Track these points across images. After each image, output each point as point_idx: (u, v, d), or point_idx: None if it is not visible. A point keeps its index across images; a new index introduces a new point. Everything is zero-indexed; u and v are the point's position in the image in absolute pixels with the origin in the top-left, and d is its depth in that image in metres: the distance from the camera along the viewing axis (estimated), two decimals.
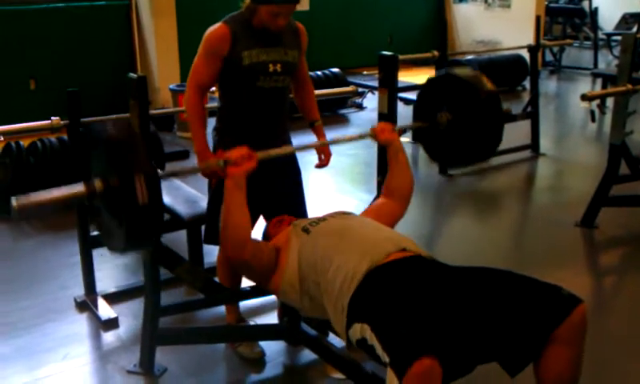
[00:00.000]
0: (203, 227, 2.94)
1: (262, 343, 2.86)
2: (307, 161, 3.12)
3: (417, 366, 1.56)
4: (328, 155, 2.88)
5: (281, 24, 2.55)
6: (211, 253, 3.12)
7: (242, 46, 2.56)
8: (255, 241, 2.26)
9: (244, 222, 2.18)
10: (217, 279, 2.80)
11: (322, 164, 2.90)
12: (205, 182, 2.91)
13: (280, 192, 2.79)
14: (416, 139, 2.77)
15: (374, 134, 2.54)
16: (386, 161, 2.88)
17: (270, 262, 2.25)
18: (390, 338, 1.71)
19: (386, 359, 1.68)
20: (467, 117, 2.52)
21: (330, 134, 2.95)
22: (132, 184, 1.82)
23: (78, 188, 1.90)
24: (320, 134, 2.91)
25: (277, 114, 2.73)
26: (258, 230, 2.58)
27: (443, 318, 1.81)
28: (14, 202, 1.78)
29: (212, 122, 2.76)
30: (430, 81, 2.73)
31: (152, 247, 2.09)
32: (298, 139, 3.05)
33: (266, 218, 2.81)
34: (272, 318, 3.04)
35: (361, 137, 2.61)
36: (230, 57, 2.57)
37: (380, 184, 2.96)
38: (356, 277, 1.97)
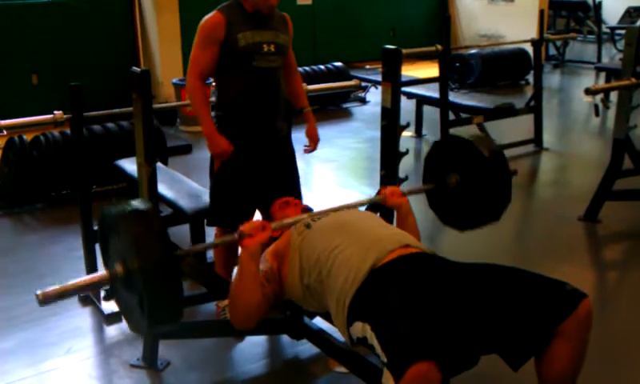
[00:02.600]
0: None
1: (265, 337, 2.87)
2: (309, 155, 3.13)
3: (413, 369, 1.56)
4: (316, 141, 3.06)
5: (273, 3, 2.71)
6: None
7: (236, 30, 2.69)
8: (263, 292, 2.16)
9: (257, 293, 2.12)
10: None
11: (311, 150, 3.08)
12: (207, 175, 2.93)
13: (276, 177, 2.87)
14: (429, 203, 2.76)
15: (383, 197, 2.50)
16: (388, 155, 2.88)
17: (275, 292, 2.22)
18: (389, 339, 1.71)
19: (384, 359, 1.68)
20: (474, 177, 2.55)
21: (333, 127, 2.95)
22: (151, 272, 1.80)
23: (101, 274, 1.90)
24: (310, 119, 3.05)
25: (275, 93, 2.83)
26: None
27: (445, 319, 1.80)
28: (38, 292, 1.73)
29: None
30: (436, 144, 2.76)
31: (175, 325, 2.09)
32: (299, 132, 3.06)
33: (262, 211, 2.88)
34: None
35: (370, 201, 2.62)
36: (226, 41, 2.68)
37: (383, 177, 2.96)
38: (359, 275, 1.97)
